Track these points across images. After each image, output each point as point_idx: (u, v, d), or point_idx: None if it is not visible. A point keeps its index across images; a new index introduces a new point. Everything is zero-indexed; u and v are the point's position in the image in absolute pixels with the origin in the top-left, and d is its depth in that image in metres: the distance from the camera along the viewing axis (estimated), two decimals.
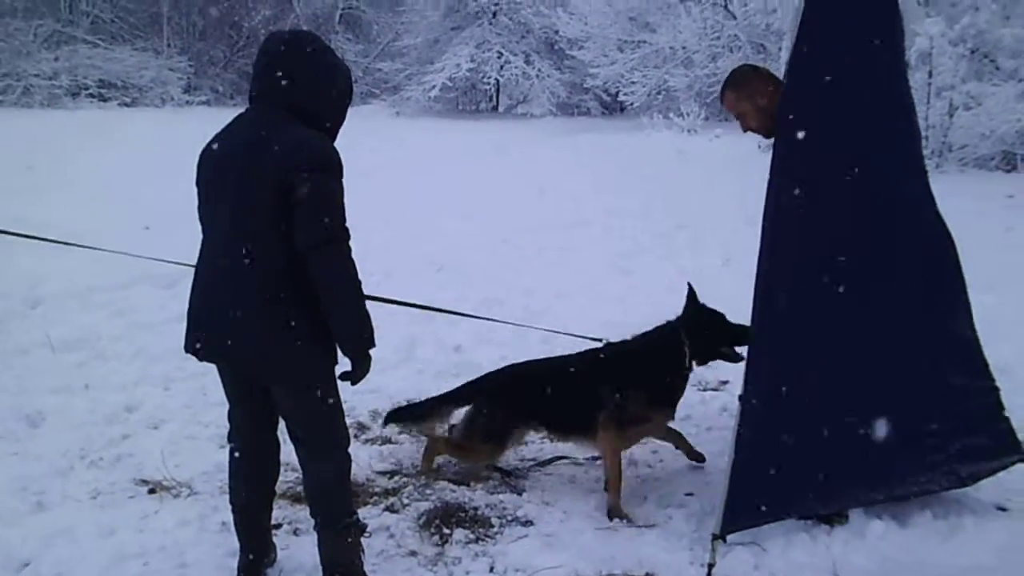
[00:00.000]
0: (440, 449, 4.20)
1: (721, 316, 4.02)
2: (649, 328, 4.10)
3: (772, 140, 3.44)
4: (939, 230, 3.52)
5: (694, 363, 4.00)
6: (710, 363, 4.10)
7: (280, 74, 2.84)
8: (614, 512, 3.78)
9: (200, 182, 2.94)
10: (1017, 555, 3.29)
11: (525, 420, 4.07)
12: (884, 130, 3.43)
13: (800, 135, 3.29)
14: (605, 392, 3.90)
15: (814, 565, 3.25)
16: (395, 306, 4.23)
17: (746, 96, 3.62)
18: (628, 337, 4.14)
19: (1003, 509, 3.68)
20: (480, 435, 4.03)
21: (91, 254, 4.51)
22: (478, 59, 30.24)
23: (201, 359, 2.99)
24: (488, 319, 5.07)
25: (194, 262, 3.01)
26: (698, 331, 3.98)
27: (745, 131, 3.73)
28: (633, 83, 25.02)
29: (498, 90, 33.55)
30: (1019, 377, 4.75)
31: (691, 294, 4.04)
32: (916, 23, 13.60)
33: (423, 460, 4.18)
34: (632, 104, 25.91)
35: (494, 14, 31.08)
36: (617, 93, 26.84)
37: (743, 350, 3.64)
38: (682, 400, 4.07)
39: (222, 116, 3.14)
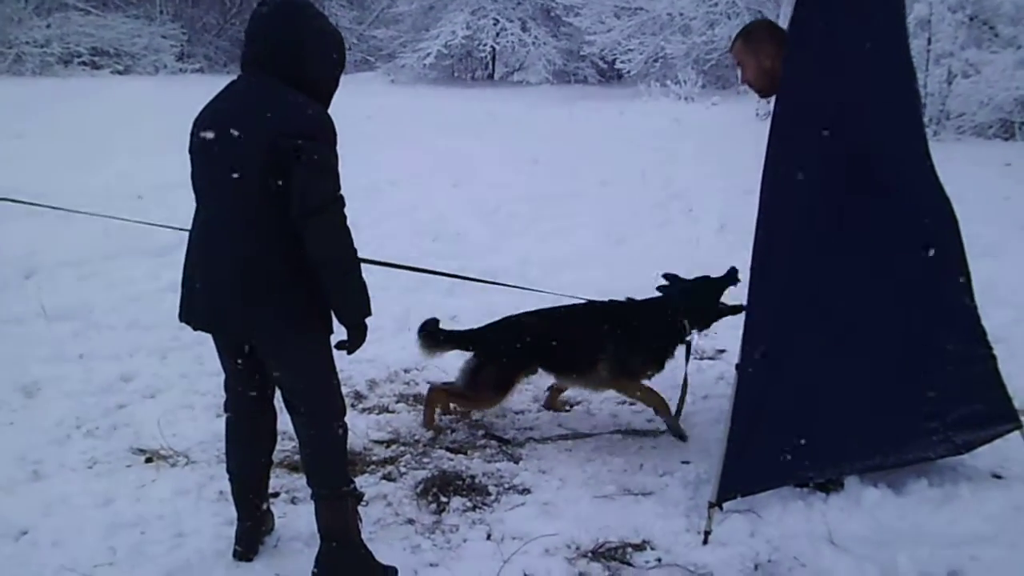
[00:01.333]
0: (440, 399, 4.29)
1: (704, 280, 4.24)
2: (647, 299, 4.28)
3: (771, 109, 3.40)
4: (938, 198, 3.50)
5: (695, 332, 4.22)
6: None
7: (272, 41, 2.81)
8: (674, 430, 4.14)
9: (193, 150, 2.91)
10: (1013, 523, 3.31)
11: (528, 367, 4.22)
12: (885, 97, 3.39)
13: (799, 103, 3.25)
14: (609, 343, 4.12)
15: (810, 532, 3.27)
16: (391, 278, 4.22)
17: (752, 50, 3.60)
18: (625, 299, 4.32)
19: (999, 477, 3.69)
20: (486, 384, 4.16)
21: (84, 224, 4.48)
22: (474, 26, 29.80)
23: (196, 328, 2.98)
24: (486, 281, 5.11)
25: (188, 228, 2.99)
26: (693, 304, 4.20)
27: (743, 83, 3.72)
28: (630, 50, 24.75)
29: (494, 57, 33.21)
30: (1015, 345, 4.77)
31: (672, 277, 4.27)
32: None
33: (425, 411, 4.29)
34: (629, 72, 25.64)
35: None
36: (614, 61, 26.57)
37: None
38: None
39: (216, 84, 3.10)
